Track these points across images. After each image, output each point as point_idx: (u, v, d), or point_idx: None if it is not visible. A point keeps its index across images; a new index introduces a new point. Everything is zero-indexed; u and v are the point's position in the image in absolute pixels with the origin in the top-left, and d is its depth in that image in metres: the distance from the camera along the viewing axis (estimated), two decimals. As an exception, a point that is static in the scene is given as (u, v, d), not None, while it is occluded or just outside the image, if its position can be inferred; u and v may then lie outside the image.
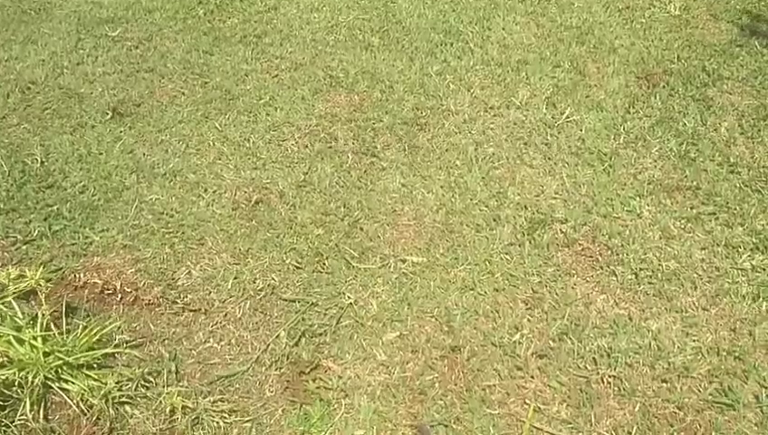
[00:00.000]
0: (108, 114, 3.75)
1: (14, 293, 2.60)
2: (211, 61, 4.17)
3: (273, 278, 2.92)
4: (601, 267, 2.89)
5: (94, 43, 4.37)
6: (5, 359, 2.47)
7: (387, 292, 2.82)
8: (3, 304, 2.59)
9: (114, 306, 2.86)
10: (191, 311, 2.83)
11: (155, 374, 2.60)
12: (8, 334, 2.47)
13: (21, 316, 2.55)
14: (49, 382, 2.46)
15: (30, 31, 4.51)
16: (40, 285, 2.60)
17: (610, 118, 3.67)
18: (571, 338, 2.62)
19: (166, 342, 2.75)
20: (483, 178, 3.33)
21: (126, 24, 4.55)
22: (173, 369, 2.62)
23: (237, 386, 2.58)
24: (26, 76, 4.07)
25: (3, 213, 3.19)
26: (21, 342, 2.47)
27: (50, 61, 4.21)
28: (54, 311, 2.78)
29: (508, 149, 3.49)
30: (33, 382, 2.42)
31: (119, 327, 2.72)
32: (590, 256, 2.94)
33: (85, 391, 2.43)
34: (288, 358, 2.62)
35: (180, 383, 2.58)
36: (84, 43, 4.37)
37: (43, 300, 2.61)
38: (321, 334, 2.69)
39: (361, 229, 3.11)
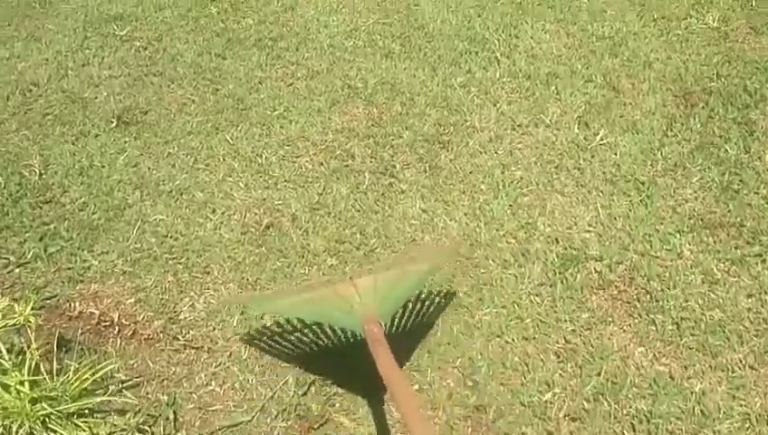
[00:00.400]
0: (112, 122, 3.53)
1: (2, 328, 2.38)
2: (224, 65, 3.94)
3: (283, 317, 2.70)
4: (640, 315, 2.65)
5: (101, 42, 4.14)
6: (-11, 405, 2.27)
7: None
8: (-12, 340, 2.37)
9: (111, 340, 2.66)
10: (193, 348, 2.63)
11: (151, 422, 2.39)
12: (-8, 379, 2.26)
13: (6, 358, 2.33)
14: (35, 432, 2.25)
15: (34, 27, 4.29)
16: (29, 322, 2.38)
17: (647, 141, 3.42)
18: (607, 399, 2.39)
19: (165, 382, 2.54)
20: (510, 205, 3.10)
21: (135, 23, 4.31)
22: (171, 416, 2.42)
23: (240, 436, 2.37)
24: (28, 77, 3.85)
25: (-4, 230, 2.98)
26: (6, 387, 2.26)
27: (54, 61, 3.99)
28: (47, 344, 2.58)
29: (538, 174, 3.25)
30: (18, 433, 2.22)
31: (114, 368, 2.50)
32: (628, 302, 2.71)
33: (75, 444, 2.22)
34: (296, 409, 2.41)
35: (178, 433, 2.37)
36: (90, 42, 4.14)
37: (33, 338, 2.39)
38: (331, 386, 2.47)
39: (378, 260, 2.89)
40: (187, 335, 2.65)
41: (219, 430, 2.39)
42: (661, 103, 3.68)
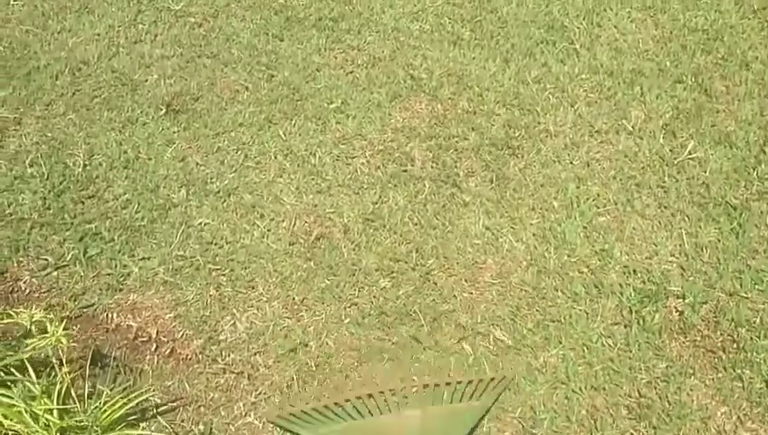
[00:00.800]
0: (162, 109, 3.34)
1: (31, 350, 2.24)
2: (280, 48, 3.69)
3: (327, 342, 2.51)
4: (725, 368, 2.37)
5: (155, 17, 3.93)
6: (15, 433, 2.14)
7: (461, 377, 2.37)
8: (17, 360, 2.24)
9: (147, 357, 2.51)
10: (233, 373, 2.46)
11: (185, 457, 2.24)
12: (19, 406, 2.12)
13: (35, 382, 2.19)
14: (63, 465, 2.12)
15: (88, -4, 4.09)
16: (61, 343, 2.23)
17: (741, 157, 3.07)
18: (684, 470, 2.13)
19: (201, 409, 2.39)
20: (584, 226, 2.81)
21: (191, -5, 4.08)
22: (206, 451, 2.26)
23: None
24: (78, 54, 3.68)
25: (37, 226, 2.85)
26: (34, 416, 2.12)
27: (105, 36, 3.80)
28: (81, 357, 2.44)
29: (617, 191, 2.95)
30: (44, 466, 2.09)
31: (149, 390, 2.35)
32: (711, 351, 2.42)
33: (102, 481, 2.08)
34: (339, 456, 2.22)
35: (213, 469, 2.22)
36: (144, 16, 3.94)
37: (64, 359, 2.24)
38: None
39: (435, 284, 2.66)
40: (227, 358, 2.49)
41: (255, 470, 2.22)
42: (758, 112, 3.30)
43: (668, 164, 3.06)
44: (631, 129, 3.23)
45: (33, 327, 2.33)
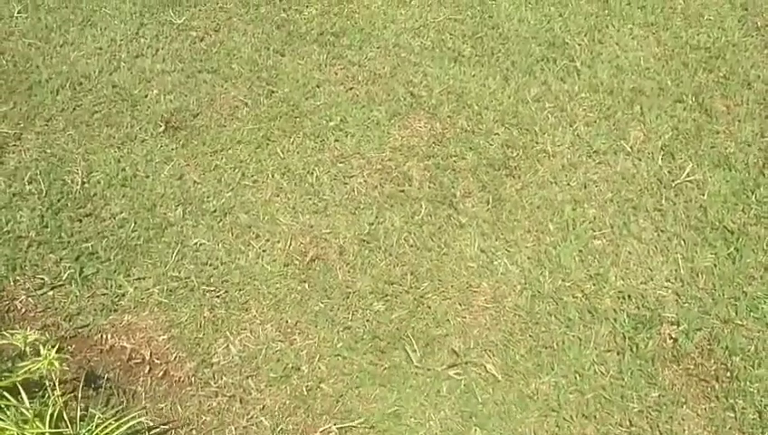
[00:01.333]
0: (161, 126, 3.36)
1: (24, 374, 2.25)
2: (281, 64, 3.70)
3: (320, 367, 2.51)
4: (717, 397, 2.36)
5: (157, 30, 3.94)
6: (6, 458, 2.15)
7: (452, 405, 2.37)
8: (10, 383, 2.25)
9: (141, 379, 2.52)
10: (225, 396, 2.47)
11: (175, 482, 2.24)
12: (12, 430, 2.13)
13: (28, 405, 2.20)
14: (53, 492, 2.13)
15: (91, 9, 4.10)
16: (53, 366, 2.24)
17: (740, 180, 3.06)
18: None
19: (193, 432, 2.40)
20: (580, 250, 2.81)
21: (193, 9, 4.09)
22: (197, 476, 2.26)
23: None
24: (80, 68, 3.69)
25: (34, 244, 2.87)
26: (25, 441, 2.14)
27: (107, 50, 3.81)
28: (74, 379, 2.45)
29: (613, 214, 2.94)
30: (34, 493, 2.10)
31: (141, 413, 2.36)
32: (705, 380, 2.41)
33: (92, 508, 2.09)
34: (328, 483, 2.23)
35: (203, 495, 2.22)
36: (146, 30, 3.95)
37: (57, 382, 2.26)
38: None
39: (429, 308, 2.66)
40: (220, 381, 2.49)
41: (245, 497, 2.22)
42: (759, 133, 3.29)
43: (666, 186, 3.05)
44: (630, 149, 3.22)
45: (27, 348, 2.34)
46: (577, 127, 3.33)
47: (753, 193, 3.00)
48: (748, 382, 2.39)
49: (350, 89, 3.57)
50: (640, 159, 3.18)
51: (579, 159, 3.19)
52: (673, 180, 3.07)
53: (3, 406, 2.21)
